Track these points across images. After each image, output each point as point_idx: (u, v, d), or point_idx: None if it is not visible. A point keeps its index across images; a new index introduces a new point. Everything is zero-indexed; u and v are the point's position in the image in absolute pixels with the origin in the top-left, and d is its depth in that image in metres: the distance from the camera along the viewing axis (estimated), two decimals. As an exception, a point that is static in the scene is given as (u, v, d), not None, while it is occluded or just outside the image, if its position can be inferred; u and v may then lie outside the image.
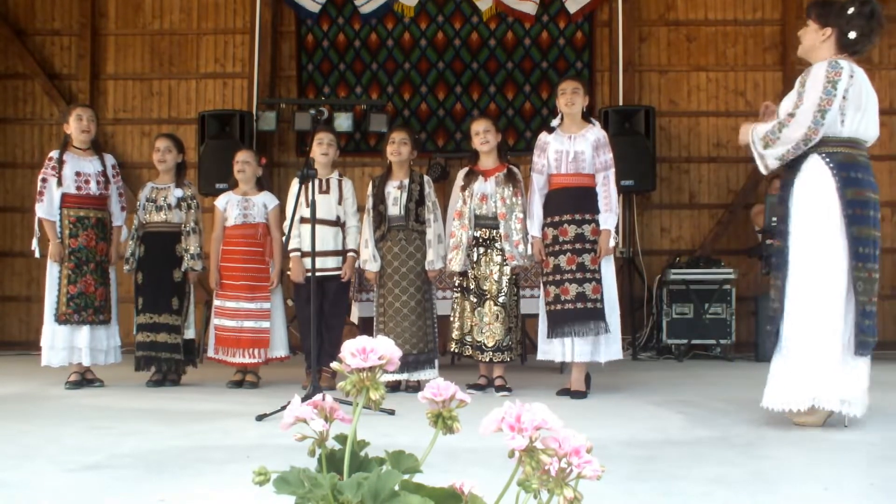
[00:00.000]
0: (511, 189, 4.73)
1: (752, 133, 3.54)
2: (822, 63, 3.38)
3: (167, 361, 5.09)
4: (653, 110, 7.32)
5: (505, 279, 4.73)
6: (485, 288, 4.74)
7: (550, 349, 4.57)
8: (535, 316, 5.03)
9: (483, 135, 4.78)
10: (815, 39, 3.49)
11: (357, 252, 4.96)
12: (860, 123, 3.41)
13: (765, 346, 3.56)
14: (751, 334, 6.99)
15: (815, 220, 3.37)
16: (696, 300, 6.85)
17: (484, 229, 4.78)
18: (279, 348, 5.16)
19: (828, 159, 3.38)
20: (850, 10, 3.39)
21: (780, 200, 3.56)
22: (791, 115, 3.38)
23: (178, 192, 5.16)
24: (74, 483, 2.45)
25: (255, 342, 5.03)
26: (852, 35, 3.40)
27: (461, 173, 4.95)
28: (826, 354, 3.29)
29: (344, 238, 4.97)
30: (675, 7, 7.95)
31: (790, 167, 3.51)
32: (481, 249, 4.78)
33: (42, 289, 5.07)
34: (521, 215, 4.71)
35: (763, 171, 3.64)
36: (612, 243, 4.51)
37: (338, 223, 4.96)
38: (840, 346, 3.29)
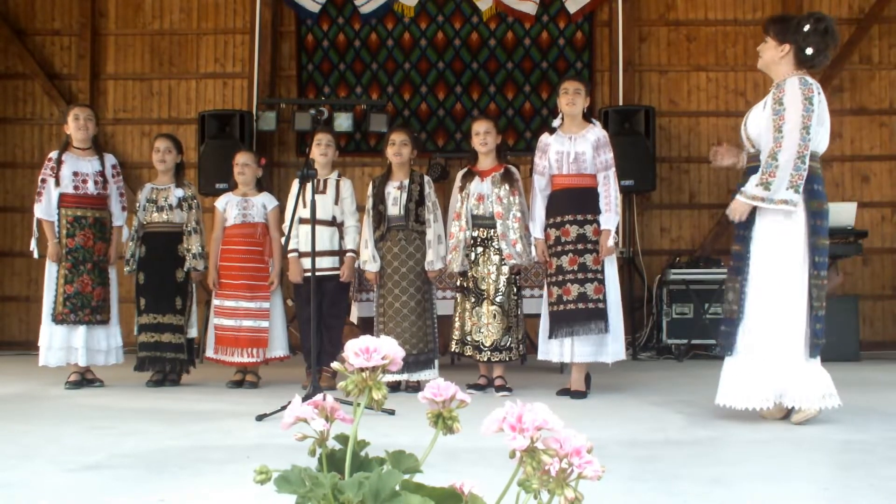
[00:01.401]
0: (507, 188, 4.72)
1: (745, 194, 3.53)
2: (793, 80, 3.50)
3: (171, 361, 5.09)
4: (653, 110, 7.32)
5: (503, 279, 4.73)
6: (482, 288, 4.74)
7: (549, 349, 4.57)
8: (536, 316, 5.03)
9: (483, 136, 4.78)
10: (774, 55, 3.62)
11: (356, 252, 4.96)
12: (822, 138, 3.56)
13: (720, 345, 3.66)
14: (751, 334, 6.99)
15: (780, 228, 3.50)
16: (696, 300, 6.85)
17: (481, 229, 4.79)
18: (278, 348, 5.15)
19: None
20: (806, 28, 3.53)
21: None
22: (777, 139, 3.44)
23: (179, 193, 5.16)
24: (74, 483, 2.45)
25: (253, 341, 5.03)
26: (809, 51, 3.54)
27: (459, 174, 4.95)
28: (794, 356, 3.45)
29: (341, 238, 4.97)
30: (675, 7, 7.96)
31: (751, 174, 3.59)
32: (479, 249, 4.78)
33: (42, 289, 5.07)
34: (518, 214, 4.71)
35: (792, 210, 3.45)
36: (611, 242, 4.51)
37: (334, 223, 4.96)
38: (803, 349, 3.46)
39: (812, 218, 3.49)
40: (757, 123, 3.61)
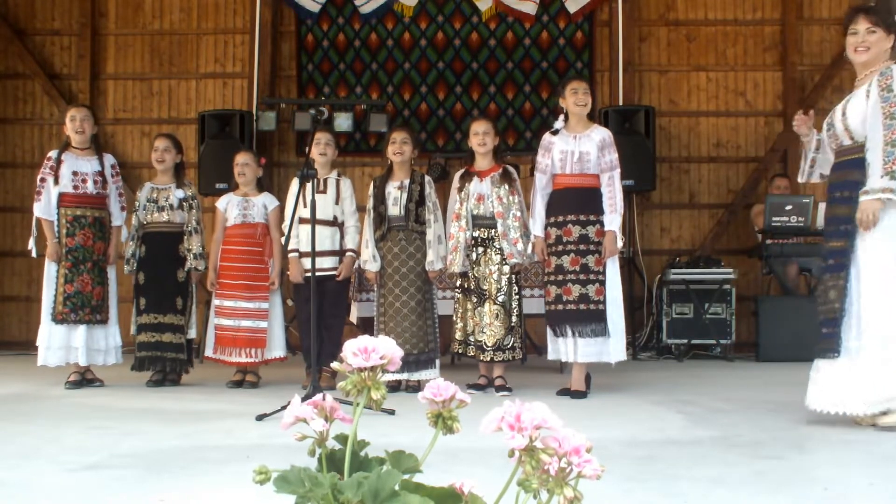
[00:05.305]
0: (507, 188, 4.73)
1: (873, 190, 3.35)
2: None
3: (172, 361, 5.09)
4: (653, 110, 7.32)
5: (504, 278, 4.73)
6: (484, 288, 4.74)
7: (558, 349, 4.57)
8: (536, 316, 5.03)
9: (482, 136, 4.77)
10: (885, 45, 3.51)
11: (356, 252, 4.96)
12: None
13: (814, 345, 3.49)
14: (751, 334, 6.99)
15: (888, 220, 3.33)
16: (696, 300, 6.85)
17: (482, 229, 4.78)
18: (277, 349, 5.15)
19: None
20: None
21: (845, 200, 3.49)
22: (891, 126, 3.32)
23: (180, 193, 5.16)
24: (74, 483, 2.45)
25: (251, 342, 5.03)
26: None
27: (457, 175, 4.95)
28: None
29: (341, 238, 4.97)
30: (675, 7, 7.96)
31: (856, 167, 3.47)
32: (480, 249, 4.78)
33: (41, 288, 5.07)
34: (518, 213, 4.72)
35: None
36: (619, 244, 4.51)
37: (334, 223, 4.96)
38: None
39: None
40: (860, 112, 3.45)
